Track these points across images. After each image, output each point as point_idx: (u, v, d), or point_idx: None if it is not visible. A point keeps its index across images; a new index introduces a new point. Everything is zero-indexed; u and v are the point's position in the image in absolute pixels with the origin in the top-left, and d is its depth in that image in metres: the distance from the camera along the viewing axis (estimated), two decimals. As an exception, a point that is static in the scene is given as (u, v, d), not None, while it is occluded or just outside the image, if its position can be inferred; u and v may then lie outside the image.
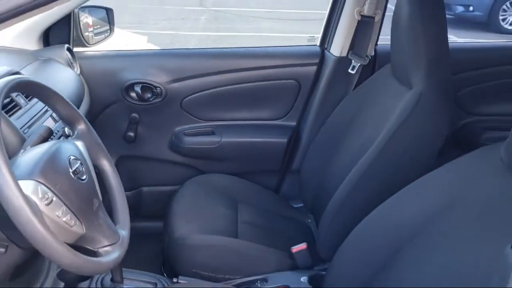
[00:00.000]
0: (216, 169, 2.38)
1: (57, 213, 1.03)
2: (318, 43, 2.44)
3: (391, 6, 1.91)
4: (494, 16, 8.71)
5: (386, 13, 2.23)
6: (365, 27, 2.24)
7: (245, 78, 2.36)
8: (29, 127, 1.43)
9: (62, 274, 1.66)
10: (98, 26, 2.34)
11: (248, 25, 8.98)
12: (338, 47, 2.31)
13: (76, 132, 1.28)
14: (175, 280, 1.73)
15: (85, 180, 1.14)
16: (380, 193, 1.48)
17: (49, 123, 1.53)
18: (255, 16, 9.59)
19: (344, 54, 2.30)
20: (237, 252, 1.83)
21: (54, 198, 1.03)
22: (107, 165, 1.32)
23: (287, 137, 2.41)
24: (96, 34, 2.32)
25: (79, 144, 1.23)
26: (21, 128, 1.38)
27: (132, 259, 1.75)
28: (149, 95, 2.30)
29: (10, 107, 1.42)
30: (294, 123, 2.44)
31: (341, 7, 2.28)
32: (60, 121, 1.54)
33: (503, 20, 8.70)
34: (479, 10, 8.83)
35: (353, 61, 2.28)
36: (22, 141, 1.28)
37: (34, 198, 1.00)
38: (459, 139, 2.45)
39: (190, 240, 1.82)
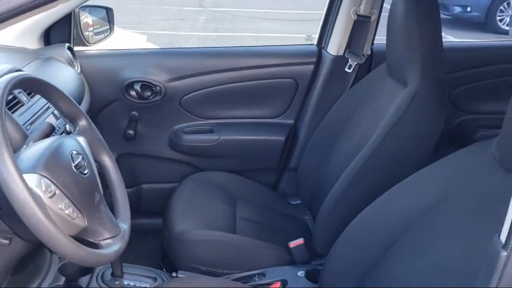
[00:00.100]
0: (214, 166, 2.41)
1: (60, 206, 1.06)
2: (315, 42, 2.47)
3: (387, 6, 1.93)
4: (491, 17, 8.72)
5: (383, 14, 2.26)
6: (361, 26, 2.27)
7: (243, 76, 2.39)
8: (31, 123, 1.46)
9: (63, 269, 1.69)
10: (98, 26, 2.36)
11: (246, 26, 8.99)
12: (335, 46, 2.33)
13: (77, 128, 1.31)
14: (174, 274, 1.76)
15: (87, 175, 1.17)
16: (375, 190, 1.50)
17: (51, 120, 1.56)
18: (253, 16, 9.60)
19: (341, 53, 2.33)
20: (235, 247, 1.85)
21: (57, 191, 1.06)
22: (108, 161, 1.35)
23: (284, 135, 2.44)
24: (96, 34, 2.35)
25: (81, 139, 1.26)
26: (23, 125, 1.41)
27: (132, 255, 1.79)
28: (148, 94, 2.32)
29: (13, 104, 1.45)
30: (291, 121, 2.46)
31: (338, 7, 2.31)
32: (62, 118, 1.57)
33: (500, 20, 8.72)
34: (476, 10, 8.84)
35: (349, 60, 2.31)
36: (25, 137, 1.30)
37: (38, 191, 1.02)
38: (455, 137, 2.48)
39: (189, 235, 1.84)
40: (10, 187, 0.95)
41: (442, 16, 7.46)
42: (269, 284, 1.69)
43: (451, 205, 1.26)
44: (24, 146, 1.19)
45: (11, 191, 0.95)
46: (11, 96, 1.45)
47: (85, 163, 1.18)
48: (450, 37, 7.91)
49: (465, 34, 8.35)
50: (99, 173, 1.29)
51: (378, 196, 1.48)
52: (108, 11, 2.39)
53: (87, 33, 2.28)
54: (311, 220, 2.15)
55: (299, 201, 2.33)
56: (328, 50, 2.37)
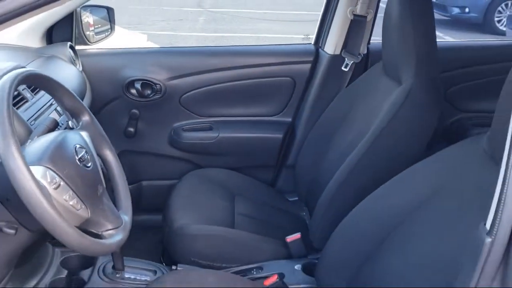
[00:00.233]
0: (213, 163, 2.44)
1: (64, 197, 1.10)
2: (312, 41, 2.50)
3: (384, 6, 1.97)
4: (489, 18, 8.74)
5: (379, 14, 2.29)
6: (357, 26, 2.31)
7: (242, 75, 2.42)
8: (35, 119, 1.50)
9: (65, 262, 1.73)
10: (99, 25, 2.40)
11: (245, 26, 9.01)
12: (332, 45, 2.37)
13: (80, 123, 1.35)
14: (174, 268, 1.79)
15: (90, 168, 1.21)
16: (370, 186, 1.53)
17: (54, 116, 1.59)
18: (252, 17, 9.61)
19: (337, 52, 2.37)
20: (234, 241, 1.89)
21: (62, 183, 1.10)
22: (110, 155, 1.39)
23: (282, 132, 2.47)
24: (97, 33, 2.38)
25: (84, 134, 1.30)
26: (27, 120, 1.45)
27: (133, 250, 1.82)
28: (149, 92, 2.35)
29: (18, 100, 1.48)
30: (289, 119, 2.50)
31: (335, 7, 2.34)
32: (64, 114, 1.61)
33: (498, 21, 8.74)
34: (474, 11, 8.86)
35: (346, 59, 2.34)
36: (29, 132, 1.34)
37: (44, 182, 1.06)
38: (449, 134, 2.51)
39: (189, 230, 1.88)
40: (17, 178, 0.99)
41: (440, 17, 7.49)
42: (267, 277, 1.72)
43: (443, 199, 1.29)
44: (29, 140, 1.23)
45: (18, 181, 0.99)
46: (15, 93, 1.49)
47: (89, 156, 1.22)
48: (448, 38, 7.94)
49: (463, 35, 8.37)
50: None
51: (372, 191, 1.52)
52: (109, 10, 2.42)
53: (88, 32, 2.32)
54: (308, 216, 2.19)
55: (297, 198, 2.37)
56: (325, 49, 2.41)
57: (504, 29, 8.58)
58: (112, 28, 2.44)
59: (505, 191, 0.86)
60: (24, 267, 1.55)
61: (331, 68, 2.37)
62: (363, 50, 2.35)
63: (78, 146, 1.20)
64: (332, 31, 2.37)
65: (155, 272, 1.75)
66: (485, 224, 0.90)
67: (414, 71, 1.70)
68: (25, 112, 1.48)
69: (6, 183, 1.05)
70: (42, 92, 1.63)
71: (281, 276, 1.72)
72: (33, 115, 1.51)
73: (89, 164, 1.21)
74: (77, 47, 2.25)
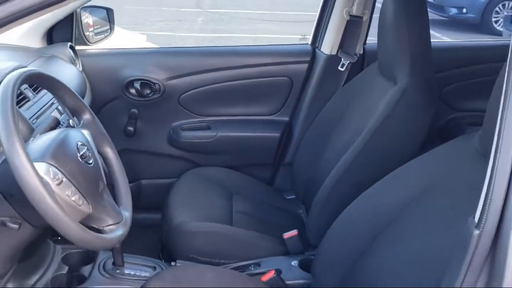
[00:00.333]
0: (212, 162, 2.46)
1: (67, 193, 1.13)
2: (309, 42, 2.54)
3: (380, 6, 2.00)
4: (487, 18, 8.75)
5: (375, 15, 2.32)
6: (353, 26, 2.34)
7: (240, 75, 2.45)
8: (37, 118, 1.53)
9: (66, 259, 1.76)
10: (99, 26, 2.42)
11: (244, 27, 9.02)
12: (329, 45, 2.40)
13: (82, 122, 1.38)
14: (173, 263, 1.82)
15: (92, 164, 1.24)
16: (365, 184, 1.56)
17: (55, 115, 1.61)
18: (251, 17, 9.62)
19: (334, 52, 2.40)
20: (232, 238, 1.92)
21: (64, 179, 1.13)
22: (110, 153, 1.42)
23: (280, 131, 2.50)
24: (96, 34, 2.40)
25: (85, 132, 1.33)
26: (29, 119, 1.48)
27: (132, 248, 1.85)
28: (148, 91, 2.38)
29: (20, 99, 1.51)
30: (286, 119, 2.52)
31: (331, 8, 2.38)
32: (65, 113, 1.64)
33: (496, 22, 8.76)
34: (472, 12, 8.87)
35: (342, 59, 2.37)
36: (31, 131, 1.37)
37: (47, 178, 1.10)
38: (444, 133, 2.53)
39: (188, 227, 1.91)
40: (21, 174, 1.02)
41: (438, 17, 7.48)
42: (264, 273, 1.74)
43: (435, 197, 1.32)
44: (31, 138, 1.26)
45: (22, 177, 1.02)
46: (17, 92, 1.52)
47: (90, 153, 1.25)
48: (445, 38, 7.96)
49: (460, 35, 8.39)
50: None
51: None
52: (109, 11, 2.45)
53: (88, 33, 2.34)
54: (305, 213, 2.21)
55: (294, 196, 2.39)
56: (322, 49, 2.44)
57: (502, 29, 8.61)
58: (111, 29, 2.46)
59: (492, 185, 0.89)
60: (26, 263, 1.58)
61: (327, 68, 2.40)
62: (359, 50, 2.38)
63: (79, 143, 1.23)
64: (329, 32, 2.40)
65: (154, 268, 1.78)
66: (474, 218, 0.93)
67: (409, 71, 1.73)
68: (27, 111, 1.51)
69: (10, 179, 1.08)
70: (43, 91, 1.66)
71: (278, 272, 1.74)
72: (35, 114, 1.54)
73: (91, 161, 1.24)
74: (77, 47, 2.27)
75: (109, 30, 2.46)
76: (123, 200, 1.39)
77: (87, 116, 1.38)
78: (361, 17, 2.32)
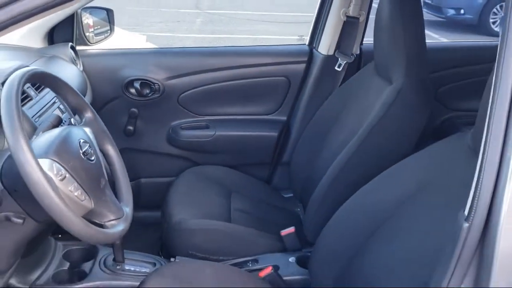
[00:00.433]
0: (210, 161, 2.49)
1: (69, 188, 1.16)
2: (307, 42, 2.56)
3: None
4: (484, 19, 8.77)
5: (371, 16, 2.35)
6: (350, 27, 2.37)
7: (238, 75, 2.48)
8: (39, 116, 1.56)
9: (67, 255, 1.79)
10: (99, 27, 2.45)
11: (243, 28, 9.04)
12: (326, 46, 2.43)
13: (84, 120, 1.41)
14: (172, 260, 1.85)
15: (94, 161, 1.27)
16: (361, 182, 1.59)
17: (57, 113, 1.65)
18: (250, 18, 9.63)
19: (331, 52, 2.43)
20: (230, 235, 1.95)
21: (67, 175, 1.16)
22: (111, 150, 1.45)
23: (277, 131, 2.52)
24: (96, 34, 2.43)
25: (87, 130, 1.36)
26: (32, 117, 1.51)
27: (132, 245, 1.87)
28: (147, 91, 2.41)
29: (22, 98, 1.53)
30: (284, 118, 2.55)
31: (328, 8, 2.41)
32: (67, 112, 1.68)
33: (493, 23, 8.79)
34: (469, 13, 8.90)
35: (339, 59, 2.40)
36: (34, 129, 1.40)
37: (50, 174, 1.13)
38: (440, 133, 2.56)
39: (187, 224, 1.94)
40: (26, 170, 1.05)
41: (435, 18, 7.48)
42: (262, 269, 1.77)
43: (429, 194, 1.35)
44: (34, 136, 1.29)
45: (27, 173, 1.05)
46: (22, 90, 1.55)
47: (92, 150, 1.28)
48: (443, 40, 8.00)
49: (458, 36, 8.42)
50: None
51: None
52: (109, 12, 2.47)
53: (88, 33, 2.36)
54: (302, 212, 2.24)
55: (291, 194, 2.42)
56: (319, 49, 2.47)
57: (499, 30, 8.61)
58: (111, 29, 2.49)
59: (481, 180, 0.92)
60: (28, 259, 1.61)
61: (324, 68, 2.43)
62: (356, 50, 2.41)
63: (82, 140, 1.26)
64: (326, 32, 2.43)
65: (154, 264, 1.80)
66: (464, 212, 0.96)
67: (404, 72, 1.76)
68: (29, 109, 1.53)
69: (14, 175, 1.11)
70: (45, 91, 1.69)
71: (276, 268, 1.77)
72: (37, 113, 1.56)
73: (93, 158, 1.27)
74: (78, 48, 2.30)
75: (109, 31, 2.49)
76: (124, 196, 1.42)
77: (89, 114, 1.41)
78: (358, 18, 2.35)
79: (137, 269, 1.76)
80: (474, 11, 8.82)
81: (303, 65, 2.50)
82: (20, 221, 1.22)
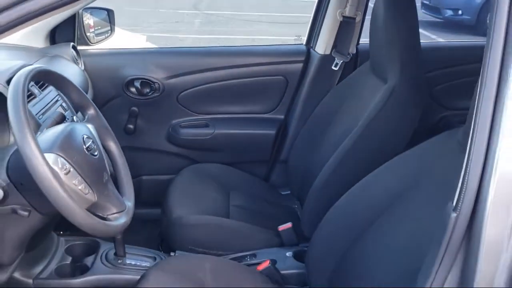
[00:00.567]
0: (210, 159, 2.52)
1: (74, 182, 1.20)
2: (304, 42, 2.60)
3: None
4: (482, 20, 8.79)
5: (367, 16, 2.38)
6: (346, 27, 2.41)
7: (237, 74, 2.51)
8: (43, 114, 1.59)
9: (70, 250, 1.83)
10: (99, 27, 2.48)
11: (241, 28, 9.06)
12: (322, 45, 2.47)
13: (87, 117, 1.45)
14: (172, 254, 1.89)
15: (97, 156, 1.31)
16: (355, 178, 1.62)
17: (59, 111, 1.69)
18: (248, 19, 9.65)
19: (328, 52, 2.47)
20: (229, 230, 1.99)
21: (71, 169, 1.20)
22: (113, 146, 1.49)
23: (275, 129, 2.56)
24: (97, 35, 2.46)
25: (90, 126, 1.40)
26: (36, 114, 1.55)
27: (132, 241, 1.91)
28: (147, 90, 2.44)
29: (27, 96, 1.57)
30: (282, 116, 2.59)
31: (325, 9, 2.45)
32: (69, 110, 1.72)
33: (491, 23, 8.81)
34: (467, 14, 8.93)
35: (336, 58, 2.44)
36: (38, 126, 1.44)
37: (55, 168, 1.17)
38: (435, 131, 2.58)
39: (186, 219, 1.97)
40: (33, 164, 1.09)
41: (434, 19, 7.48)
42: (260, 263, 1.81)
43: (421, 188, 1.38)
44: (39, 132, 1.33)
45: (34, 166, 1.09)
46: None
47: (95, 146, 1.32)
48: (441, 40, 8.02)
49: (456, 37, 8.44)
50: None
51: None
52: (109, 12, 2.51)
53: (89, 34, 2.40)
54: (299, 208, 2.27)
55: (289, 191, 2.46)
56: (316, 49, 2.51)
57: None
58: (112, 30, 2.52)
59: (468, 173, 0.97)
60: (31, 254, 1.65)
61: (321, 67, 2.47)
62: (352, 50, 2.45)
63: (85, 136, 1.30)
64: (323, 32, 2.47)
65: (154, 259, 1.83)
66: (452, 203, 1.01)
67: (399, 71, 1.80)
68: (33, 107, 1.57)
69: (20, 169, 1.15)
70: (48, 89, 1.73)
71: (274, 262, 1.80)
72: (41, 110, 1.60)
73: (96, 153, 1.31)
74: (79, 47, 2.33)
75: (109, 31, 2.52)
76: (125, 191, 1.46)
77: (91, 111, 1.45)
78: (354, 18, 2.39)
79: (138, 263, 1.79)
80: (472, 11, 8.85)
81: (300, 65, 2.53)
82: (25, 213, 1.26)
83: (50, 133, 1.27)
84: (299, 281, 1.83)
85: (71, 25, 2.33)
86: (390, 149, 1.76)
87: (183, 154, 2.59)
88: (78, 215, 1.14)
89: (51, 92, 1.71)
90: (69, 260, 1.79)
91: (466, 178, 0.96)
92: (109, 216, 1.30)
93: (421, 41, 1.87)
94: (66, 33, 2.33)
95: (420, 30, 1.86)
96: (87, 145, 1.28)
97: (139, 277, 1.60)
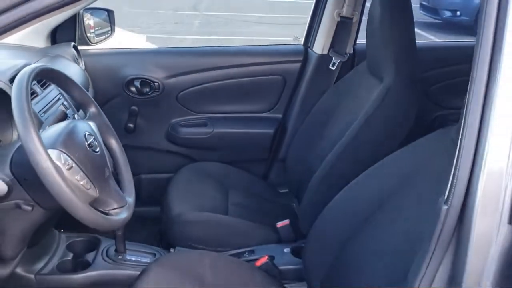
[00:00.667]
0: (209, 157, 2.54)
1: (76, 177, 1.23)
2: (302, 42, 2.63)
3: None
4: (480, 21, 8.83)
5: (365, 17, 2.42)
6: (344, 27, 2.44)
7: (236, 74, 2.54)
8: (44, 112, 1.63)
9: (71, 246, 1.86)
10: (100, 28, 2.50)
11: (240, 29, 9.07)
12: (320, 45, 2.50)
13: (88, 114, 1.48)
14: (172, 250, 1.92)
15: (98, 153, 1.34)
16: (351, 176, 1.65)
17: (62, 109, 1.72)
18: (247, 20, 9.67)
19: (325, 52, 2.50)
20: (228, 227, 2.02)
21: (74, 165, 1.23)
22: (114, 143, 1.52)
23: (273, 128, 2.59)
24: (97, 35, 2.49)
25: (92, 124, 1.43)
26: (38, 113, 1.58)
27: (132, 239, 1.93)
28: (147, 90, 2.47)
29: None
30: (280, 115, 2.61)
31: (323, 9, 2.48)
32: (70, 108, 1.75)
33: (489, 24, 8.83)
34: (465, 14, 8.95)
35: (333, 58, 2.47)
36: (40, 123, 1.47)
37: (58, 163, 1.19)
38: (432, 130, 2.62)
39: (186, 216, 2.00)
40: (36, 159, 1.11)
41: (432, 20, 7.47)
42: (258, 259, 1.83)
43: (415, 184, 1.41)
44: (41, 129, 1.36)
45: (37, 162, 1.11)
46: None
47: (96, 143, 1.35)
48: (439, 41, 8.05)
49: (454, 38, 8.46)
50: None
51: None
52: (109, 13, 2.53)
53: (89, 34, 2.42)
54: (297, 206, 2.28)
55: (287, 190, 2.48)
56: (313, 49, 2.53)
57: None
58: (112, 30, 2.54)
59: (458, 167, 1.00)
60: (34, 250, 1.68)
61: (319, 67, 2.50)
62: (349, 50, 2.47)
63: (87, 133, 1.33)
64: (320, 32, 2.50)
65: (154, 255, 1.87)
66: (444, 196, 1.04)
67: (395, 70, 1.83)
68: (35, 105, 1.60)
69: (24, 165, 1.18)
70: (50, 88, 1.76)
71: (272, 258, 1.83)
72: (43, 108, 1.63)
73: (97, 150, 1.34)
74: (80, 47, 2.35)
75: (109, 31, 2.54)
76: (126, 187, 1.49)
77: (93, 109, 1.48)
78: (351, 19, 2.41)
79: (138, 259, 1.83)
80: (470, 12, 8.86)
81: (298, 64, 2.56)
82: (29, 208, 1.29)
83: (53, 130, 1.29)
84: (296, 277, 1.86)
85: (71, 25, 2.35)
86: (386, 147, 1.78)
87: (183, 153, 2.61)
88: (81, 209, 1.17)
89: (52, 91, 1.74)
90: (70, 256, 1.82)
91: (457, 172, 0.99)
92: (111, 211, 1.33)
93: (417, 41, 1.91)
94: (67, 33, 2.35)
95: (419, 31, 1.89)
96: (89, 142, 1.31)
97: (139, 272, 1.62)
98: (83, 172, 1.25)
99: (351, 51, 2.49)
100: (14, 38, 2.12)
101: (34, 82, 1.66)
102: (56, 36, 2.35)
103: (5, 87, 1.45)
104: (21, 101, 1.15)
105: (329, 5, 2.44)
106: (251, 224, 2.04)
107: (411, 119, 1.85)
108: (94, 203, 1.29)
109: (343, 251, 1.55)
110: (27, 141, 1.11)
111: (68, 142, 1.25)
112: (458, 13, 9.02)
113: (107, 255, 1.82)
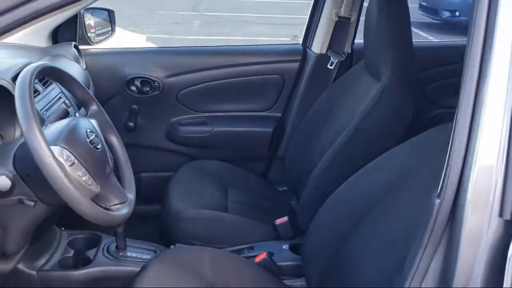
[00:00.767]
0: (208, 156, 2.56)
1: (78, 173, 1.25)
2: (300, 41, 2.66)
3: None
4: (479, 21, 8.83)
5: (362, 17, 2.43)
6: (342, 27, 2.47)
7: (235, 73, 2.56)
8: (46, 110, 1.65)
9: (72, 243, 1.88)
10: (100, 28, 2.52)
11: (240, 30, 9.09)
12: (318, 45, 2.53)
13: (90, 112, 1.50)
14: (172, 247, 1.94)
15: (100, 149, 1.36)
16: (349, 173, 1.67)
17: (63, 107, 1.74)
18: (247, 21, 9.68)
19: (323, 51, 2.52)
20: (227, 224, 2.04)
21: (76, 161, 1.25)
22: (115, 141, 1.55)
23: (272, 127, 2.61)
24: (98, 35, 2.51)
25: (93, 121, 1.45)
26: (40, 110, 1.60)
27: (133, 237, 1.95)
28: (147, 89, 2.49)
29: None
30: (279, 114, 2.64)
31: (321, 9, 2.50)
32: (72, 106, 1.77)
33: (488, 24, 8.84)
34: (464, 15, 8.92)
35: (331, 57, 2.50)
36: (42, 121, 1.49)
37: (61, 159, 1.22)
38: (429, 129, 2.64)
39: (186, 214, 2.03)
40: (40, 155, 1.14)
41: (431, 20, 7.47)
42: (257, 255, 1.86)
43: (410, 180, 1.43)
44: (43, 127, 1.38)
45: (40, 158, 1.14)
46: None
47: (98, 140, 1.37)
48: (437, 40, 8.07)
49: (454, 38, 8.47)
50: None
51: None
52: (110, 13, 2.55)
53: (90, 34, 2.45)
54: (296, 204, 2.31)
55: (286, 188, 2.50)
56: (312, 48, 2.56)
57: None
58: (112, 30, 2.57)
59: (450, 161, 1.02)
60: (35, 246, 1.70)
61: (317, 66, 2.52)
62: (347, 49, 2.50)
63: (89, 130, 1.35)
64: (319, 32, 2.52)
65: (155, 252, 1.88)
66: (437, 191, 1.06)
67: (392, 70, 1.84)
68: (37, 103, 1.62)
69: (27, 161, 1.20)
70: (51, 86, 1.78)
71: (270, 254, 1.86)
72: (45, 106, 1.65)
73: (99, 146, 1.36)
74: (81, 47, 2.37)
75: (110, 31, 2.57)
76: (127, 183, 1.51)
77: (94, 107, 1.51)
78: (349, 18, 2.44)
79: (139, 256, 1.84)
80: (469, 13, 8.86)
81: (296, 64, 2.58)
82: (32, 203, 1.31)
83: (55, 127, 1.32)
84: (295, 272, 1.88)
85: (72, 25, 2.37)
86: (383, 145, 1.77)
87: (182, 152, 2.63)
88: (83, 204, 1.19)
89: (54, 89, 1.77)
90: (71, 252, 1.84)
91: (449, 167, 1.02)
92: (112, 207, 1.35)
93: (414, 40, 1.93)
94: (67, 32, 2.37)
95: (418, 32, 1.91)
96: (90, 139, 1.33)
97: (139, 268, 1.64)
98: (85, 168, 1.27)
99: (349, 51, 2.51)
100: (15, 37, 2.13)
101: (36, 80, 1.68)
102: (57, 35, 2.37)
103: (7, 85, 1.48)
104: (25, 99, 1.17)
105: (327, 5, 2.47)
106: (251, 222, 2.06)
107: (409, 118, 1.87)
108: (96, 199, 1.31)
109: (341, 246, 1.57)
110: (31, 138, 1.14)
111: (70, 138, 1.27)
112: (457, 13, 9.01)
113: (108, 252, 1.84)
